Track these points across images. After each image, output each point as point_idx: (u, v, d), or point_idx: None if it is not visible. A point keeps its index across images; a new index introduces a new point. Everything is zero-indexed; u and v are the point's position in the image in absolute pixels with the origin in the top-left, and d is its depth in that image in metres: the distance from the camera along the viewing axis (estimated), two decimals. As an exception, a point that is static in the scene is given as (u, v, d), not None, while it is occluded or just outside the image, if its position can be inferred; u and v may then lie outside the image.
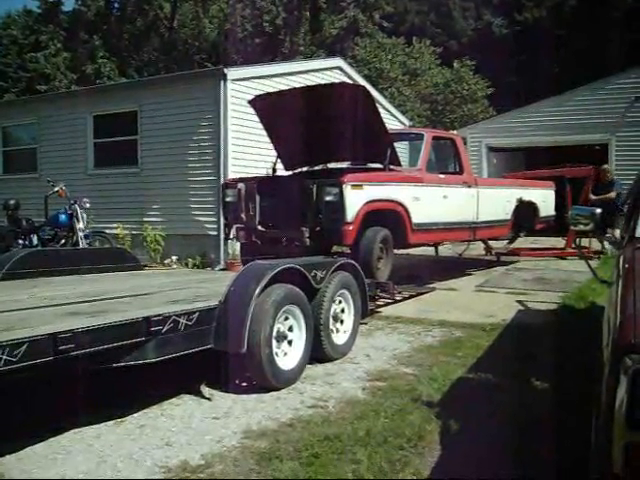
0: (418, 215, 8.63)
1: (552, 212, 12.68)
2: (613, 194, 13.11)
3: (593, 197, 12.96)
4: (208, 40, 38.10)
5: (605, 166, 13.80)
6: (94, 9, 38.29)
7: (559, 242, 13.76)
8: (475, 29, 53.61)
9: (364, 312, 6.54)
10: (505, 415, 4.44)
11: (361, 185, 7.64)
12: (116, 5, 40.58)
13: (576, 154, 15.62)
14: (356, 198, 7.53)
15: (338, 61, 16.65)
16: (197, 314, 4.56)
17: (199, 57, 36.90)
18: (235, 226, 8.94)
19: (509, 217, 11.31)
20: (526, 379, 5.24)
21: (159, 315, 4.23)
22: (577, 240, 11.01)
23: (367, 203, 7.68)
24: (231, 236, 9.20)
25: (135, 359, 4.15)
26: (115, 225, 12.93)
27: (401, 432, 4.06)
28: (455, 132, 16.70)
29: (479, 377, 5.36)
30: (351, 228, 7.51)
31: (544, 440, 3.95)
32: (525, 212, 11.73)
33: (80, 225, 11.09)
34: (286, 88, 11.10)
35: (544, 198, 12.37)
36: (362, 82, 15.80)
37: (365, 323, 7.17)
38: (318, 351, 5.65)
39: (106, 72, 34.26)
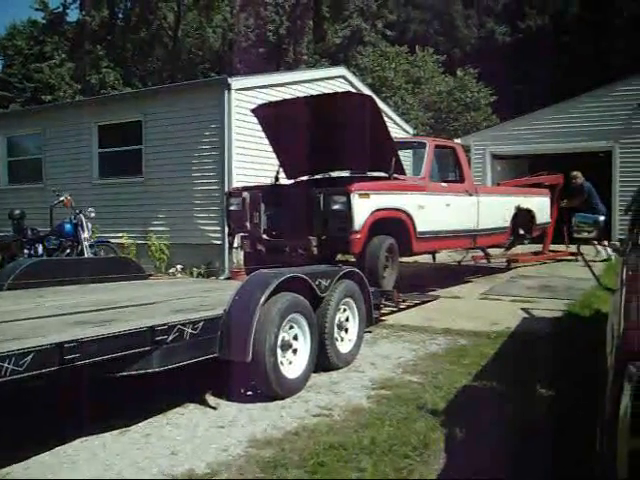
0: (422, 223, 8.65)
1: (548, 219, 12.86)
2: (579, 199, 13.52)
3: (562, 204, 13.47)
4: (212, 49, 38.28)
5: (574, 172, 13.96)
6: (98, 19, 38.49)
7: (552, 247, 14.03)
8: (478, 37, 53.74)
9: (369, 320, 6.55)
10: (510, 423, 4.44)
11: (368, 194, 7.66)
12: (120, 15, 40.85)
13: (580, 161, 15.63)
14: (363, 207, 7.55)
15: (342, 70, 16.70)
16: (202, 323, 4.57)
17: (203, 66, 37.06)
18: (239, 235, 8.98)
19: (508, 224, 11.38)
20: (531, 387, 5.23)
21: (164, 324, 4.25)
22: (578, 247, 11.04)
23: (374, 212, 7.70)
24: (235, 245, 9.22)
25: (141, 368, 4.16)
26: (120, 234, 12.98)
27: (406, 440, 4.06)
28: (458, 140, 16.77)
29: (484, 385, 5.36)
30: (359, 237, 7.53)
31: (548, 448, 3.95)
32: (523, 219, 11.83)
33: (85, 235, 11.12)
34: (290, 97, 11.15)
35: (540, 205, 12.51)
36: (366, 91, 15.86)
37: (370, 331, 7.17)
38: (323, 360, 5.66)
39: (110, 82, 34.38)
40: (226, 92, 12.37)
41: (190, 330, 4.44)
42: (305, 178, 9.67)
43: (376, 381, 5.50)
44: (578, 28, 38.88)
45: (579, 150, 17.44)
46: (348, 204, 7.47)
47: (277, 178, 9.50)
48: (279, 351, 4.95)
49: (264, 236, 8.61)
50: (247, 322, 4.70)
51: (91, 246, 11.22)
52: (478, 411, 4.70)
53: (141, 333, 4.11)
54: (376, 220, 7.79)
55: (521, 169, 19.27)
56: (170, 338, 4.26)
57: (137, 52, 39.00)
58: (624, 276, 3.06)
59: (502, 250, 12.79)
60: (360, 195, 7.55)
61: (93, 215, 11.50)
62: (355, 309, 6.18)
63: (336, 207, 7.61)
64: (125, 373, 4.11)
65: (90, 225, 11.38)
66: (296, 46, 35.15)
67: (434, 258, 12.05)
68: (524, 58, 41.41)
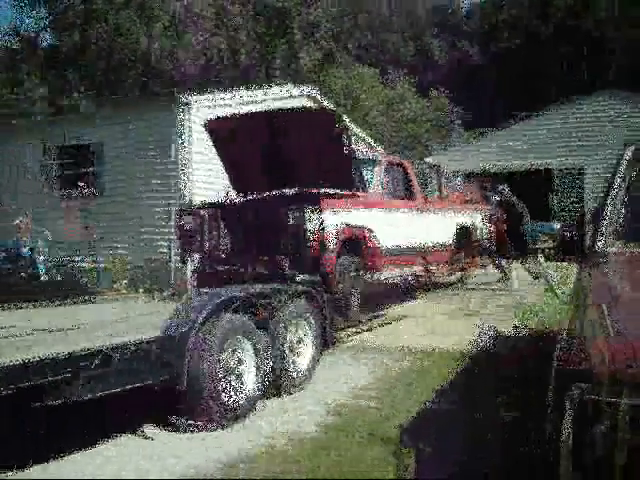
0: (386, 240, 8.39)
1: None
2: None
3: None
4: (186, 73, 38.01)
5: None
6: (71, 43, 38.19)
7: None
8: (449, 59, 54.19)
9: (326, 341, 6.21)
10: (481, 445, 4.17)
11: (339, 211, 7.39)
12: (93, 40, 40.56)
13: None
14: (334, 223, 7.25)
15: (309, 89, 16.56)
16: (132, 348, 4.20)
17: (176, 89, 36.77)
18: (193, 252, 8.60)
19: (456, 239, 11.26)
20: (495, 405, 4.91)
21: (86, 350, 3.88)
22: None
23: (343, 228, 7.42)
24: (187, 262, 8.86)
25: (61, 397, 3.79)
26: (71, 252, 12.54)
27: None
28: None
29: (450, 407, 5.03)
30: (331, 255, 7.19)
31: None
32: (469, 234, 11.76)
33: (41, 257, 10.85)
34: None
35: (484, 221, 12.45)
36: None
37: (328, 353, 6.81)
38: (274, 384, 5.31)
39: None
40: (186, 110, 12.09)
41: (119, 356, 4.07)
42: (265, 194, 9.28)
43: (330, 406, 5.15)
44: (550, 49, 39.29)
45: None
46: (320, 221, 7.11)
47: (229, 194, 9.14)
48: (220, 376, 4.59)
49: (220, 254, 8.25)
50: (181, 346, 4.34)
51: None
52: (447, 434, 4.37)
53: (60, 360, 3.73)
54: (345, 237, 7.51)
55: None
56: (94, 364, 3.89)
57: (110, 77, 38.64)
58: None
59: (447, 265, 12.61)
60: (332, 212, 7.26)
61: (50, 239, 11.22)
62: (309, 330, 5.85)
63: (305, 224, 7.17)
64: (48, 403, 3.75)
65: (47, 249, 11.10)
66: (268, 68, 35.06)
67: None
68: (496, 78, 41.79)
